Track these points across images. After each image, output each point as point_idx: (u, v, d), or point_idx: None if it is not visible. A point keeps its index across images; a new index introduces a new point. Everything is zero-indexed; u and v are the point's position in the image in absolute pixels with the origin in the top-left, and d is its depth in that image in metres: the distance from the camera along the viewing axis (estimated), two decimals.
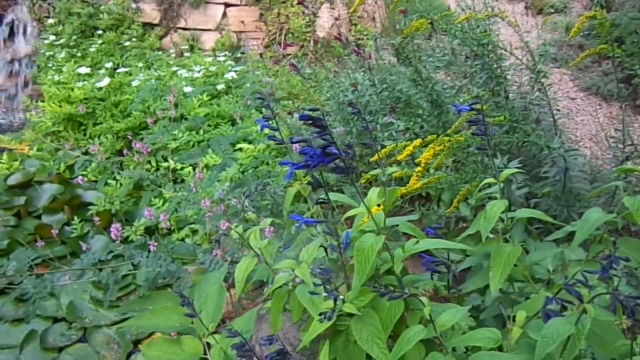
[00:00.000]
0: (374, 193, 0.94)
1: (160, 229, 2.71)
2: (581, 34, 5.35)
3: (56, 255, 2.82)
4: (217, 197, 2.47)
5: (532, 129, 2.46)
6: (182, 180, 3.05)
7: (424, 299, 0.84)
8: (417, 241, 0.99)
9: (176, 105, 3.56)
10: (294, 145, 1.17)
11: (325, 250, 1.03)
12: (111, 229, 1.66)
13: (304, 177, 1.27)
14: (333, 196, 1.06)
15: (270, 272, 1.06)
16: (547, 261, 1.41)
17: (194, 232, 2.68)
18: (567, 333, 0.76)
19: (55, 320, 2.51)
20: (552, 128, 2.70)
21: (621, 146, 2.44)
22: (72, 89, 3.67)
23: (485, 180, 1.13)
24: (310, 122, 0.81)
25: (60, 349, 2.37)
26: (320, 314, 0.91)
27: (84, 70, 3.76)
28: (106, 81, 3.59)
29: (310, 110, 0.82)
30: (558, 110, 2.72)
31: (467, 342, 0.89)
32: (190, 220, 2.62)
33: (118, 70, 3.88)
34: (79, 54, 4.08)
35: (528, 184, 2.30)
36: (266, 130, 1.59)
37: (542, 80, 2.61)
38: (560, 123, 3.42)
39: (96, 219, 2.15)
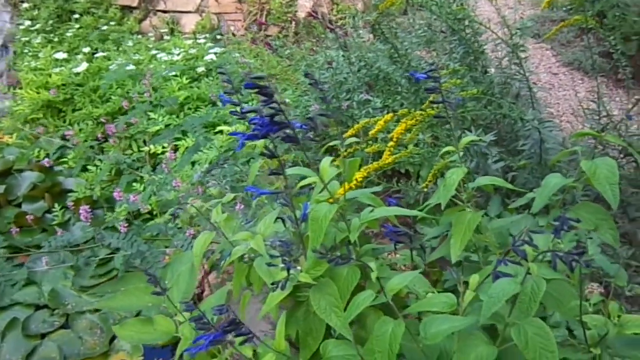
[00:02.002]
0: (326, 162, 0.94)
1: (143, 214, 2.70)
2: (564, 8, 5.33)
3: (37, 243, 2.81)
4: (195, 179, 2.46)
5: (509, 102, 2.46)
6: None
7: (373, 265, 0.84)
8: (373, 209, 0.99)
9: (155, 89, 3.53)
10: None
11: (284, 222, 1.03)
12: (80, 211, 1.65)
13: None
14: (291, 170, 1.06)
15: (231, 247, 1.06)
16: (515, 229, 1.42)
17: (177, 216, 2.68)
18: (512, 292, 0.77)
19: (38, 307, 2.51)
20: (530, 102, 2.70)
21: (597, 117, 2.44)
22: (50, 75, 3.63)
23: (445, 149, 1.13)
24: (257, 90, 0.80)
25: (43, 336, 2.37)
26: (272, 283, 0.91)
27: (61, 55, 3.71)
28: (84, 66, 3.55)
29: (255, 78, 0.81)
30: (535, 84, 2.72)
31: (423, 308, 0.90)
32: (174, 203, 2.61)
33: (96, 55, 3.83)
34: (56, 39, 4.02)
35: (504, 158, 2.30)
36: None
37: (520, 54, 2.60)
38: (541, 98, 3.42)
39: (70, 203, 2.14)
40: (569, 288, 1.01)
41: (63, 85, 3.65)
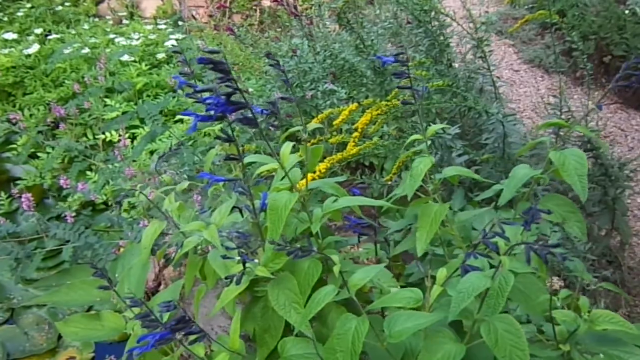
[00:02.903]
0: (287, 147, 0.87)
1: (98, 204, 2.57)
2: (526, 7, 5.40)
3: None
4: (152, 168, 2.35)
5: (473, 96, 2.44)
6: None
7: (335, 257, 0.79)
8: (336, 199, 0.94)
9: (112, 74, 3.38)
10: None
11: (241, 212, 0.96)
12: (22, 199, 1.53)
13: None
14: (250, 157, 0.99)
15: (183, 238, 0.99)
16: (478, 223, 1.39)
17: (133, 206, 2.56)
18: (483, 287, 0.73)
19: None
20: (493, 96, 2.70)
21: (558, 113, 2.46)
22: None
23: (413, 137, 1.08)
24: (211, 66, 0.73)
25: None
26: (227, 277, 0.85)
27: (10, 36, 3.51)
28: (35, 48, 3.37)
29: (210, 52, 0.74)
30: (499, 78, 2.72)
31: (387, 304, 0.85)
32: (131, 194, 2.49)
33: (49, 37, 3.64)
34: (6, 19, 3.80)
35: (468, 151, 2.29)
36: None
37: (484, 48, 2.59)
38: (503, 93, 3.43)
39: (17, 192, 2.00)
40: (537, 282, 0.98)
41: (13, 67, 3.45)
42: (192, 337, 0.87)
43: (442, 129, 2.12)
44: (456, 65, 2.72)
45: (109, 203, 2.56)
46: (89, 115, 3.23)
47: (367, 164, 2.63)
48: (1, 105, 3.55)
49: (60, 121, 2.43)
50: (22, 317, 2.31)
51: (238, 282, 0.83)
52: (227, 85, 0.75)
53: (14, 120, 2.08)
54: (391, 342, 0.77)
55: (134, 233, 1.59)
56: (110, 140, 3.05)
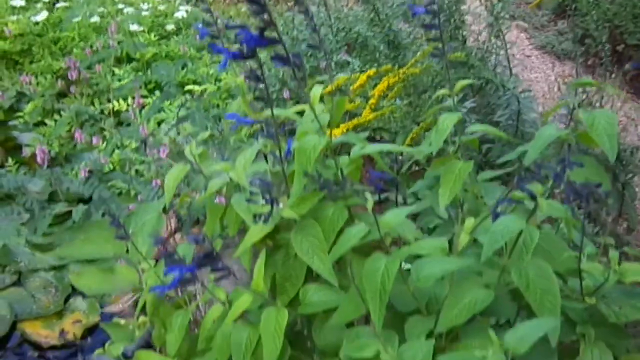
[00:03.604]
0: (317, 89, 0.86)
1: (105, 174, 2.56)
2: None
3: None
4: (163, 134, 2.34)
5: (488, 71, 2.42)
6: (129, 125, 2.89)
7: (368, 195, 0.77)
8: (364, 146, 0.93)
9: (120, 44, 3.35)
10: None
11: (266, 159, 0.95)
12: (36, 152, 1.52)
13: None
14: (276, 111, 0.97)
15: (205, 182, 0.98)
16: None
17: (140, 174, 2.55)
18: (517, 229, 0.72)
19: None
20: (507, 75, 2.67)
21: (574, 93, 2.43)
22: (6, 24, 3.40)
23: (440, 92, 1.06)
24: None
25: None
26: (255, 215, 0.84)
27: (18, 2, 3.47)
28: (44, 15, 3.33)
29: None
30: (513, 55, 2.69)
31: (413, 252, 0.84)
32: (137, 162, 2.48)
33: (57, 5, 3.61)
34: None
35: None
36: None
37: (500, 26, 2.56)
38: (517, 74, 3.40)
39: (26, 151, 1.98)
40: (559, 240, 0.97)
41: (20, 35, 3.42)
42: (213, 281, 0.86)
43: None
44: (470, 43, 2.69)
45: (116, 181, 2.54)
46: (97, 85, 3.20)
47: (378, 138, 2.62)
48: (8, 73, 3.52)
49: (71, 84, 2.40)
50: (29, 281, 2.31)
51: (266, 221, 0.82)
52: (261, 18, 0.73)
53: (24, 82, 2.06)
54: (419, 285, 0.76)
55: (147, 192, 1.58)
56: (118, 110, 3.04)
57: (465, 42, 2.63)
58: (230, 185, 0.98)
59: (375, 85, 1.92)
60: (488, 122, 2.40)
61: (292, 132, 1.05)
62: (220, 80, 3.12)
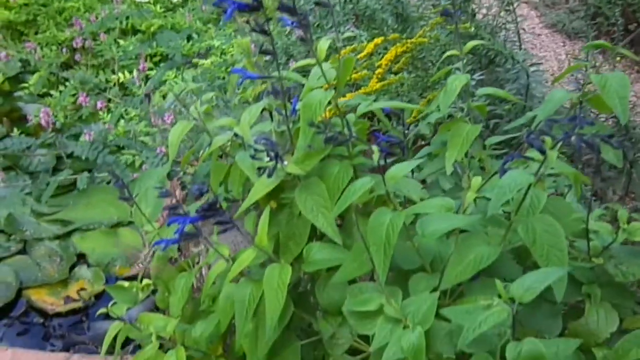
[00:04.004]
0: (324, 43, 0.84)
1: (109, 147, 2.55)
2: None
3: None
4: (167, 106, 2.33)
5: (498, 44, 2.38)
6: (134, 96, 2.88)
7: (375, 148, 0.76)
8: (372, 101, 0.91)
9: (127, 18, 3.33)
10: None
11: (271, 116, 0.94)
12: (41, 115, 1.51)
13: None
14: (287, 74, 0.95)
15: (209, 139, 0.97)
16: None
17: (145, 144, 2.54)
18: (525, 183, 0.70)
19: None
20: (517, 50, 2.63)
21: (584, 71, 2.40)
22: None
23: (449, 52, 1.04)
24: None
25: None
26: (259, 168, 0.83)
27: None
28: None
29: None
30: (524, 30, 2.65)
31: (418, 210, 0.83)
32: (141, 133, 2.47)
33: None
34: None
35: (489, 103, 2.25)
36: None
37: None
38: (525, 49, 3.35)
39: (31, 117, 1.97)
40: (565, 203, 0.95)
41: (25, 4, 3.40)
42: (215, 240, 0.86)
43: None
44: (480, 17, 2.65)
45: (121, 145, 2.54)
46: (102, 56, 3.18)
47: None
48: (14, 44, 3.50)
49: (76, 52, 2.38)
50: (34, 249, 2.32)
51: (270, 175, 0.81)
52: None
53: (29, 49, 2.04)
54: (425, 241, 0.75)
55: (151, 159, 1.57)
56: (122, 82, 3.02)
57: (474, 15, 2.59)
58: (235, 144, 0.97)
59: (383, 57, 1.90)
60: (495, 98, 2.37)
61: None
62: (225, 54, 3.10)
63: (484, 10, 2.73)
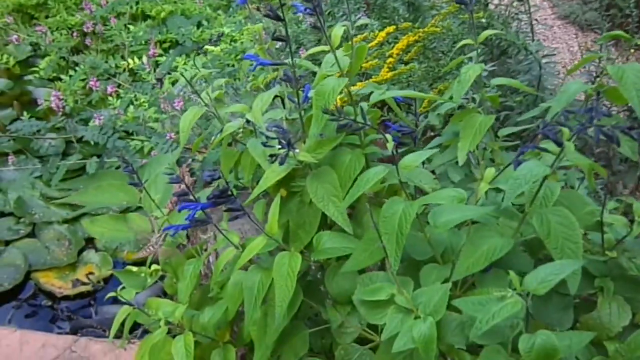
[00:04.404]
0: (339, 29, 0.83)
1: (118, 126, 2.55)
2: None
3: (2, 150, 2.66)
4: (177, 92, 2.32)
5: (511, 35, 2.35)
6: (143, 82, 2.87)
7: (389, 136, 0.75)
8: (385, 90, 0.90)
9: (137, 3, 3.32)
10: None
11: (283, 102, 0.93)
12: (51, 99, 1.51)
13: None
14: (299, 61, 0.94)
15: (221, 126, 0.96)
16: None
17: (154, 130, 2.54)
18: (542, 174, 0.69)
19: (2, 215, 2.39)
20: (530, 41, 2.60)
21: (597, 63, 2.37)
22: None
23: (463, 42, 1.03)
24: None
25: (7, 243, 2.27)
26: (271, 155, 0.82)
27: None
28: None
29: None
30: (537, 21, 2.61)
31: (430, 201, 0.82)
32: (151, 120, 2.47)
33: None
34: None
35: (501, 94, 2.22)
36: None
37: None
38: (538, 40, 3.31)
39: (41, 102, 1.97)
40: (578, 195, 0.95)
41: None
42: (224, 227, 0.86)
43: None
44: (492, 7, 2.62)
45: (130, 131, 2.53)
46: (111, 41, 3.18)
47: None
48: (24, 27, 3.50)
49: (86, 36, 2.37)
50: (43, 232, 2.34)
51: (282, 162, 0.81)
52: None
53: (39, 32, 2.04)
54: (437, 231, 0.74)
55: (160, 145, 1.57)
56: (132, 68, 3.01)
57: (487, 5, 2.56)
58: (246, 131, 0.97)
59: (393, 47, 1.88)
60: (507, 90, 2.35)
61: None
62: (235, 41, 3.08)
63: (496, 1, 2.70)
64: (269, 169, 0.85)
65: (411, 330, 0.68)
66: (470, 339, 0.63)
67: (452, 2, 2.28)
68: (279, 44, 1.71)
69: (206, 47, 2.94)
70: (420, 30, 1.77)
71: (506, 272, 0.74)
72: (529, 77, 2.22)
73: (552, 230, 0.71)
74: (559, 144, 0.68)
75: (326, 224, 0.96)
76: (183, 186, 0.87)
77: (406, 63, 1.80)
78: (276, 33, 0.82)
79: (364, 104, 0.88)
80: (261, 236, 0.86)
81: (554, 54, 2.12)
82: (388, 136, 0.75)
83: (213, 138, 0.95)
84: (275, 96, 0.92)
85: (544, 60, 2.15)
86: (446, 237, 0.84)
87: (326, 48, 0.83)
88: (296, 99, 0.89)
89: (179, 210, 0.77)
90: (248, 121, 0.91)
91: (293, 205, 0.95)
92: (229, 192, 0.78)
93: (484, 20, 2.19)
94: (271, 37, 0.84)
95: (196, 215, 0.85)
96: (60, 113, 1.55)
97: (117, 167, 1.78)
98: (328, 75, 0.85)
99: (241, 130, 0.95)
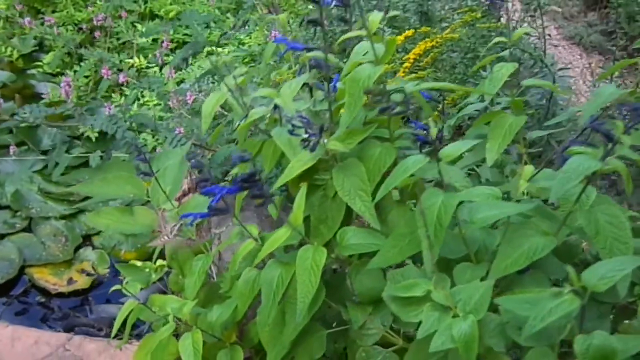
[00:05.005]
0: (376, 16, 0.80)
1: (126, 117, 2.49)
2: None
3: (3, 143, 2.60)
4: (189, 86, 2.29)
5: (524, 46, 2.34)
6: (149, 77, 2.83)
7: (431, 122, 0.72)
8: (418, 83, 0.86)
9: (146, 2, 3.30)
10: None
11: (311, 91, 0.89)
12: (61, 84, 1.46)
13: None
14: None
15: (244, 113, 0.92)
16: None
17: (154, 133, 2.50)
18: (593, 168, 0.65)
19: None
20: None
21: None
22: None
23: (497, 39, 1.00)
24: None
25: (3, 236, 2.20)
26: (303, 140, 0.78)
27: None
28: None
29: None
30: (550, 36, 2.61)
31: (464, 198, 0.78)
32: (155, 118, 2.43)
33: None
34: None
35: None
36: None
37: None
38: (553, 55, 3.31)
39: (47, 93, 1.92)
40: (610, 200, 0.91)
41: None
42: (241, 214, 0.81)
43: None
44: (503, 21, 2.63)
45: (134, 129, 2.48)
46: (118, 39, 3.14)
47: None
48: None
49: (95, 30, 2.34)
50: (39, 227, 2.28)
51: (313, 149, 0.77)
52: None
53: (48, 24, 2.00)
54: (470, 230, 0.70)
55: (169, 139, 1.53)
56: (139, 67, 2.97)
57: (499, 19, 2.56)
58: (271, 119, 0.93)
59: (406, 54, 1.86)
60: None
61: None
62: (243, 44, 3.06)
63: (509, 11, 2.69)
64: (295, 159, 0.81)
65: (450, 328, 0.64)
66: (522, 337, 0.59)
67: (464, 14, 2.27)
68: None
69: (212, 48, 2.91)
70: (438, 36, 1.75)
71: (544, 274, 0.70)
72: (540, 90, 2.21)
73: (600, 229, 0.68)
74: (610, 138, 0.65)
75: (349, 220, 0.91)
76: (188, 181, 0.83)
77: (422, 69, 1.78)
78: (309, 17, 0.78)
79: (396, 96, 0.85)
80: (284, 227, 0.81)
81: (569, 68, 2.11)
82: (431, 123, 0.71)
83: (238, 123, 0.91)
84: (304, 84, 0.88)
85: (559, 74, 2.14)
86: (480, 236, 0.80)
87: (362, 33, 0.80)
88: (326, 87, 0.85)
89: (203, 193, 0.73)
90: (275, 108, 0.88)
91: (315, 199, 0.91)
92: (257, 177, 0.73)
93: (501, 25, 2.18)
94: (305, 21, 0.80)
95: (215, 205, 0.81)
96: (70, 100, 1.51)
97: (123, 160, 1.73)
98: (360, 64, 0.81)
99: (266, 118, 0.91)
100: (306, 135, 0.82)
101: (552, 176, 0.73)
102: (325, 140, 0.83)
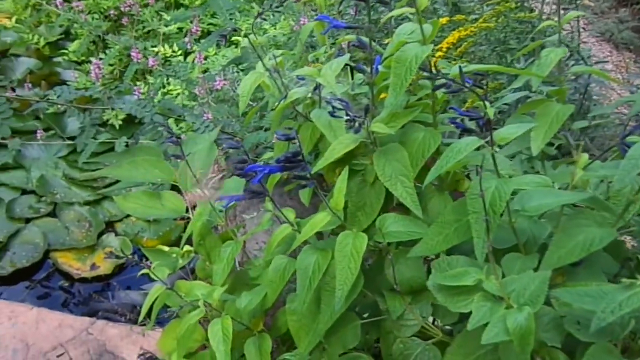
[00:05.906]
0: None
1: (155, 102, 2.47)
2: None
3: (29, 129, 2.62)
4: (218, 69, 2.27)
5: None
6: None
7: (487, 104, 0.68)
8: (468, 64, 0.83)
9: None
10: None
11: (352, 72, 0.86)
12: (91, 68, 1.45)
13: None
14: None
15: (281, 93, 0.89)
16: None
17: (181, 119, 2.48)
18: None
19: (24, 192, 2.35)
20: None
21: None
22: None
23: (544, 23, 0.96)
24: None
25: (28, 220, 2.21)
26: (347, 121, 0.75)
27: None
28: None
29: None
30: (584, 28, 2.55)
31: (514, 186, 0.74)
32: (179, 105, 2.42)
33: None
34: None
35: None
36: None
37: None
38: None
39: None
40: None
41: None
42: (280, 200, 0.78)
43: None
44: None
45: (164, 110, 2.46)
46: (143, 28, 3.14)
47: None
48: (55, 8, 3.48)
49: (123, 16, 2.33)
50: (64, 212, 2.29)
51: (357, 131, 0.73)
52: None
53: (77, 9, 1.99)
54: (528, 214, 0.67)
55: (197, 124, 1.51)
56: (164, 55, 2.96)
57: (532, 10, 2.51)
58: (309, 102, 0.90)
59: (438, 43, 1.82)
60: None
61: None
62: (266, 32, 3.03)
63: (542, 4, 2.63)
64: (337, 140, 0.78)
65: (504, 320, 0.60)
66: (590, 331, 0.55)
67: (495, 5, 2.22)
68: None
69: (236, 38, 2.89)
70: (472, 25, 1.70)
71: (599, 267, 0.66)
72: (574, 84, 2.15)
73: None
74: None
75: (387, 207, 0.88)
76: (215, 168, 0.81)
77: (457, 58, 1.73)
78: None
79: (455, 67, 0.81)
80: (323, 212, 0.78)
81: (606, 61, 2.05)
82: (487, 103, 0.68)
83: (277, 104, 0.88)
84: (346, 65, 0.85)
85: (597, 66, 2.08)
86: (527, 227, 0.76)
87: (409, 10, 0.76)
88: (368, 67, 0.82)
89: (247, 171, 0.70)
90: (314, 89, 0.85)
91: (353, 185, 0.87)
92: (301, 157, 0.70)
93: (536, 15, 2.14)
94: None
95: (252, 187, 0.78)
96: (98, 84, 1.49)
97: (156, 139, 1.70)
98: (406, 43, 0.77)
99: (304, 100, 0.88)
100: (348, 118, 0.79)
101: (613, 165, 0.68)
102: (369, 122, 0.79)
